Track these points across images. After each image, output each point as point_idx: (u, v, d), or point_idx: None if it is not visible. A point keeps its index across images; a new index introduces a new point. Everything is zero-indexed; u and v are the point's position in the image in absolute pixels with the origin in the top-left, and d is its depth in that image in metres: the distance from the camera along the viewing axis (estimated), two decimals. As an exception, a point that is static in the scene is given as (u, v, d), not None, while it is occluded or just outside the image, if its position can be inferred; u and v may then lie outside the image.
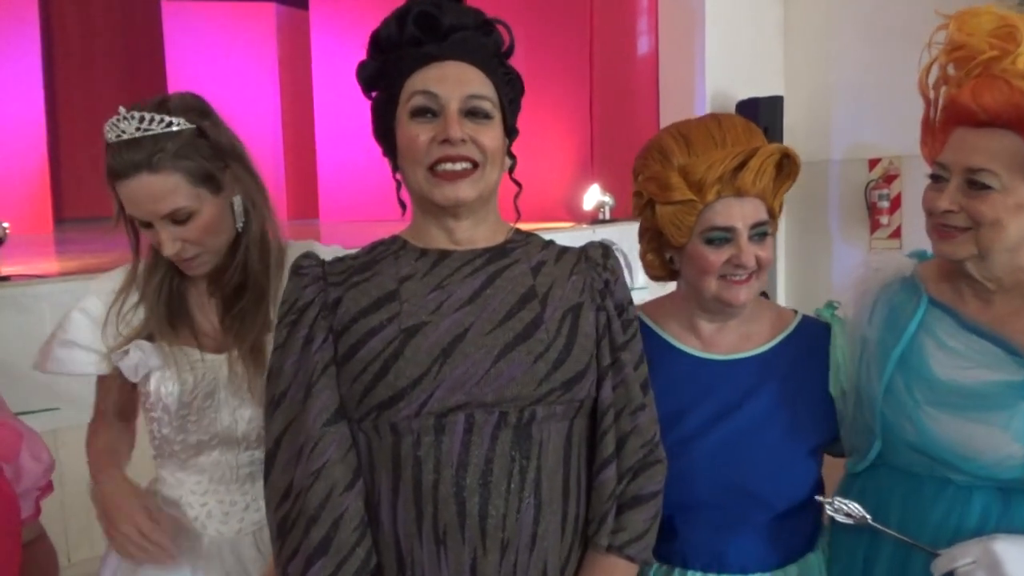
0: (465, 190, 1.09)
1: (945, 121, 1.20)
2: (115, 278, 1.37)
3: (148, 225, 1.26)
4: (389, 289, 1.10)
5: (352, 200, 5.12)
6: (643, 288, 3.80)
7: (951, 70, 1.20)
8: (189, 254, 1.28)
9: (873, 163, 4.61)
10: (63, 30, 5.43)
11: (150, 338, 1.31)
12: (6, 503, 1.20)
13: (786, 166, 1.25)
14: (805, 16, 4.83)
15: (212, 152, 1.27)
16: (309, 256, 1.15)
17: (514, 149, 1.20)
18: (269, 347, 1.21)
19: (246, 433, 1.35)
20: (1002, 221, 1.12)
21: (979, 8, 1.19)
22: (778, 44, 4.90)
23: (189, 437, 1.33)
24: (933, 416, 1.17)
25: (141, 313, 1.33)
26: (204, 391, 1.31)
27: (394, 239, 1.18)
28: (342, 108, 5.08)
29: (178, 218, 1.25)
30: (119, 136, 1.22)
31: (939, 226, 1.17)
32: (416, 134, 1.09)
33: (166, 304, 1.33)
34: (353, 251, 1.19)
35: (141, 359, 1.29)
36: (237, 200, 1.31)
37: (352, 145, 5.00)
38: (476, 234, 1.15)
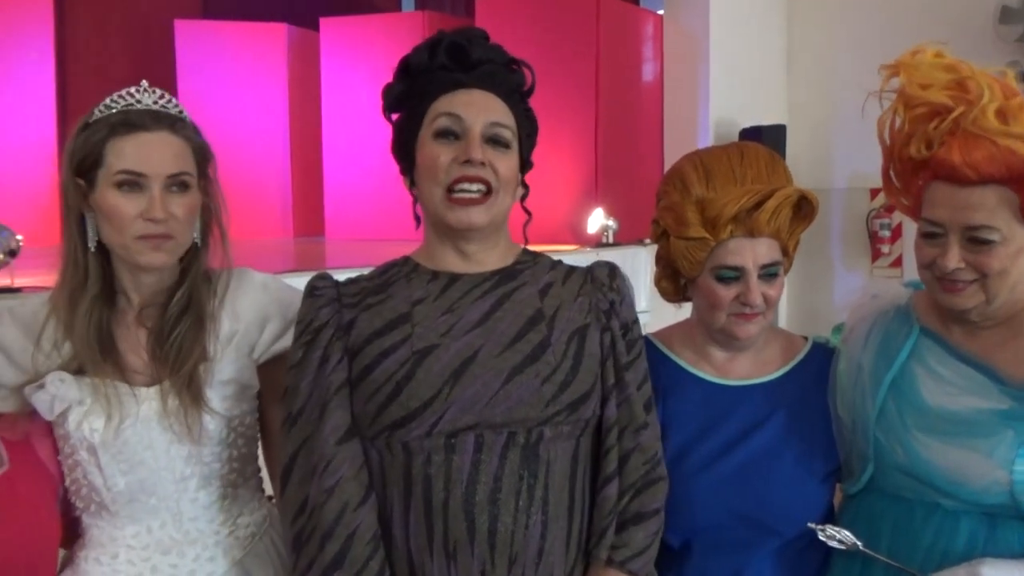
0: (478, 216, 1.13)
1: (915, 173, 1.23)
2: (33, 304, 1.22)
3: (134, 188, 1.15)
4: (402, 312, 1.13)
5: (358, 218, 5.16)
6: (645, 312, 3.82)
7: (908, 121, 1.22)
8: (168, 230, 1.17)
9: (875, 192, 4.65)
10: (77, 48, 5.48)
11: (79, 372, 1.18)
12: (45, 478, 1.21)
13: (803, 207, 1.27)
14: (808, 45, 4.90)
15: (202, 148, 1.25)
16: (324, 277, 1.18)
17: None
18: (206, 377, 1.20)
19: (184, 473, 1.21)
20: (1008, 269, 1.16)
21: (919, 57, 1.22)
22: (781, 73, 4.97)
23: (119, 482, 1.17)
24: (923, 441, 1.20)
25: (67, 348, 1.18)
26: (133, 426, 1.17)
27: (406, 261, 1.22)
28: (350, 128, 5.12)
29: (178, 184, 1.18)
30: (133, 104, 1.18)
31: (946, 281, 1.19)
32: (437, 154, 1.13)
33: (97, 335, 1.19)
34: (366, 271, 1.23)
35: (59, 391, 1.15)
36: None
37: (359, 164, 5.04)
38: (487, 256, 1.19)
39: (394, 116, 1.22)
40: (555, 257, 1.29)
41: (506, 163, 1.15)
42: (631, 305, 1.23)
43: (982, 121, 1.14)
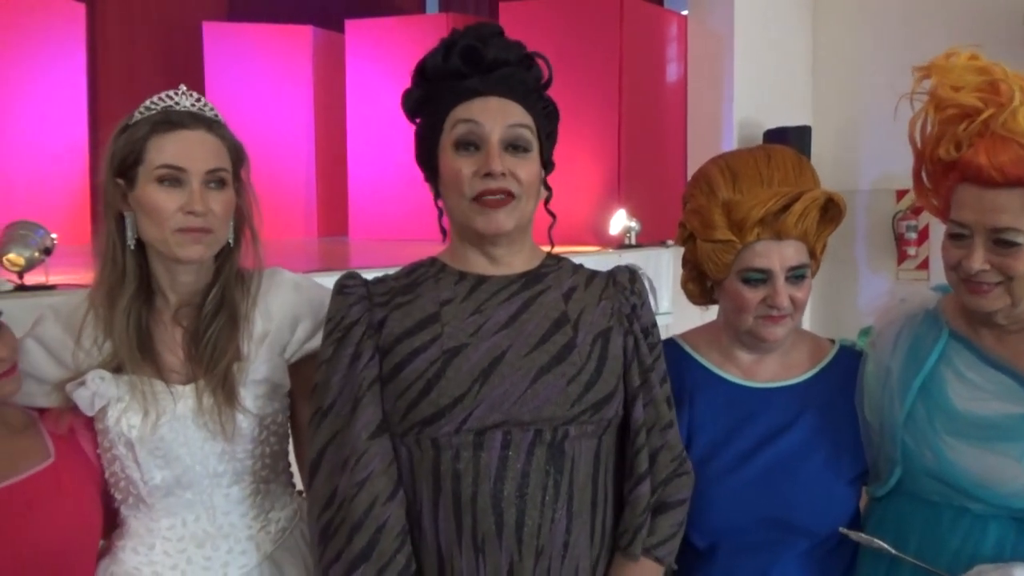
0: (504, 220, 1.14)
1: (944, 175, 1.23)
2: (75, 303, 1.26)
3: (174, 183, 1.19)
4: (430, 312, 1.16)
5: (382, 219, 5.19)
6: (667, 313, 3.81)
7: (938, 123, 1.22)
8: (207, 223, 1.20)
9: (901, 194, 4.60)
10: (107, 50, 5.58)
11: (118, 370, 1.21)
12: (88, 468, 1.25)
13: (831, 210, 1.27)
14: (834, 46, 4.86)
15: (238, 149, 1.28)
16: (353, 276, 1.20)
17: (543, 171, 1.24)
18: (240, 376, 1.23)
19: (218, 469, 1.24)
20: None
21: (953, 59, 1.22)
22: (806, 73, 4.93)
23: (156, 476, 1.21)
24: (952, 445, 1.20)
25: (107, 346, 1.22)
26: (169, 423, 1.20)
27: (433, 262, 1.23)
28: (374, 129, 5.16)
29: (216, 181, 1.22)
30: (173, 106, 1.22)
31: (971, 283, 1.19)
32: (459, 167, 1.14)
33: (136, 333, 1.22)
34: (393, 271, 1.24)
35: (99, 388, 1.19)
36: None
37: (383, 165, 5.08)
38: (513, 259, 1.21)
39: (416, 119, 1.24)
40: (578, 259, 1.31)
41: (527, 168, 1.16)
42: (650, 309, 1.25)
43: (1011, 124, 1.14)
